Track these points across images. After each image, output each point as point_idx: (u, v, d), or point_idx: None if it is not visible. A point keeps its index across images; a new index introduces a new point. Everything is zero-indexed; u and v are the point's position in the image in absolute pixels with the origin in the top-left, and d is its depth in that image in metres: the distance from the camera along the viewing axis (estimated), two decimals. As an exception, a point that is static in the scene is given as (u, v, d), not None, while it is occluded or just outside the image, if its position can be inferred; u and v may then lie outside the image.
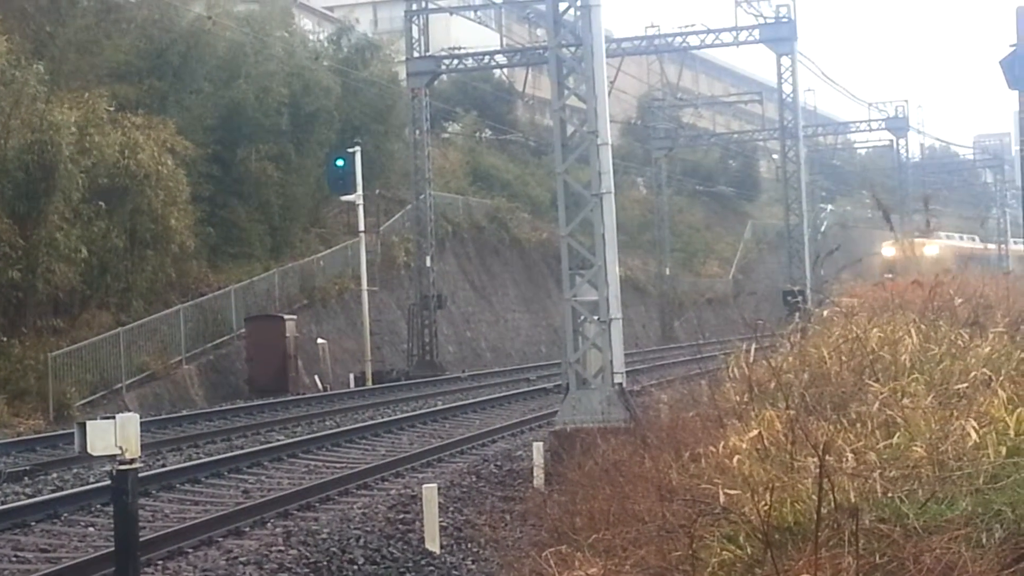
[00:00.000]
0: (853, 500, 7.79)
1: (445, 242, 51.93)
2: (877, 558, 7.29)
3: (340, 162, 41.58)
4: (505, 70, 60.31)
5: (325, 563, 13.45)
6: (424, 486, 15.13)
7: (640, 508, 9.41)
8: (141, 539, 12.28)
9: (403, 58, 48.72)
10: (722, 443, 10.07)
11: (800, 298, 42.33)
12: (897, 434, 9.30)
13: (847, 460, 8.54)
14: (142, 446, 11.91)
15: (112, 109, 34.53)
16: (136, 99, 38.40)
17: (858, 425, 9.99)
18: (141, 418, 12.09)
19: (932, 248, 64.24)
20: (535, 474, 17.89)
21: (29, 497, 17.79)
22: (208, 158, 40.88)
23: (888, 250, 60.72)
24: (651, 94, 77.28)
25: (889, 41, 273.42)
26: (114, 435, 10.88)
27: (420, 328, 45.43)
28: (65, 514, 16.42)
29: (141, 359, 33.69)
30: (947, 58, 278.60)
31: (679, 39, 49.97)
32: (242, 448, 23.37)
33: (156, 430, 26.02)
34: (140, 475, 12.49)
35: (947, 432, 8.95)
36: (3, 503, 16.37)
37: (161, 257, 35.84)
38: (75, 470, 20.51)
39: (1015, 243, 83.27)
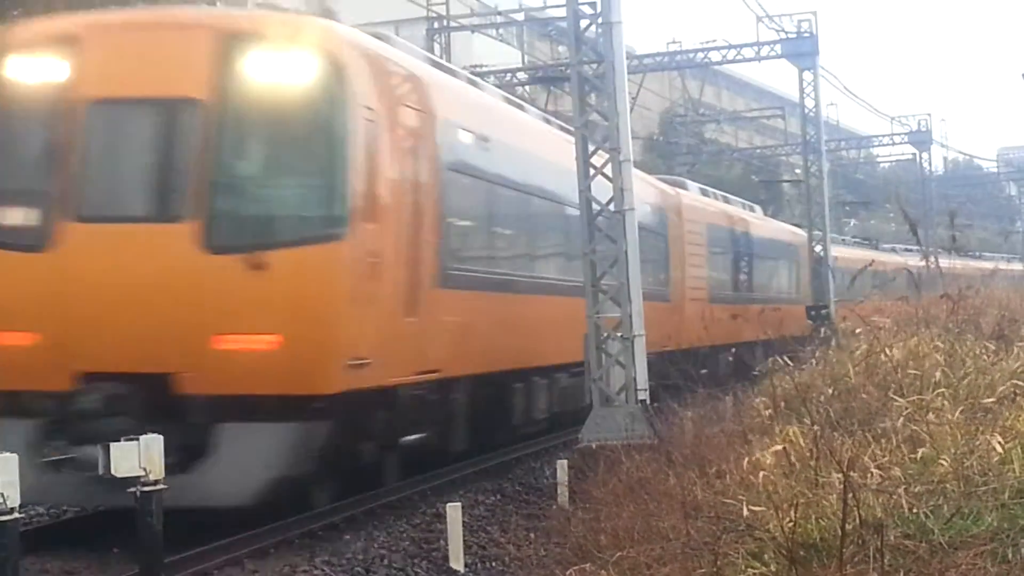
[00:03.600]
0: (878, 516, 7.75)
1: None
2: (902, 574, 7.25)
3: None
4: (527, 87, 60.35)
5: (350, 583, 13.42)
6: (448, 505, 15.10)
7: (665, 525, 9.39)
8: (165, 560, 12.29)
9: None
10: (746, 459, 10.04)
11: (824, 312, 42.35)
12: (922, 449, 9.26)
13: (872, 476, 8.51)
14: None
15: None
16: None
17: (883, 440, 9.95)
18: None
19: None
20: (559, 491, 17.83)
21: (54, 518, 17.81)
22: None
23: None
24: (673, 110, 77.19)
25: (911, 55, 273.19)
26: (138, 456, 10.90)
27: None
28: (89, 536, 16.44)
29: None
30: (970, 71, 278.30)
31: (701, 55, 49.95)
32: (266, 468, 23.28)
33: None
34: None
35: (972, 447, 8.91)
36: (27, 525, 16.37)
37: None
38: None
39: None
